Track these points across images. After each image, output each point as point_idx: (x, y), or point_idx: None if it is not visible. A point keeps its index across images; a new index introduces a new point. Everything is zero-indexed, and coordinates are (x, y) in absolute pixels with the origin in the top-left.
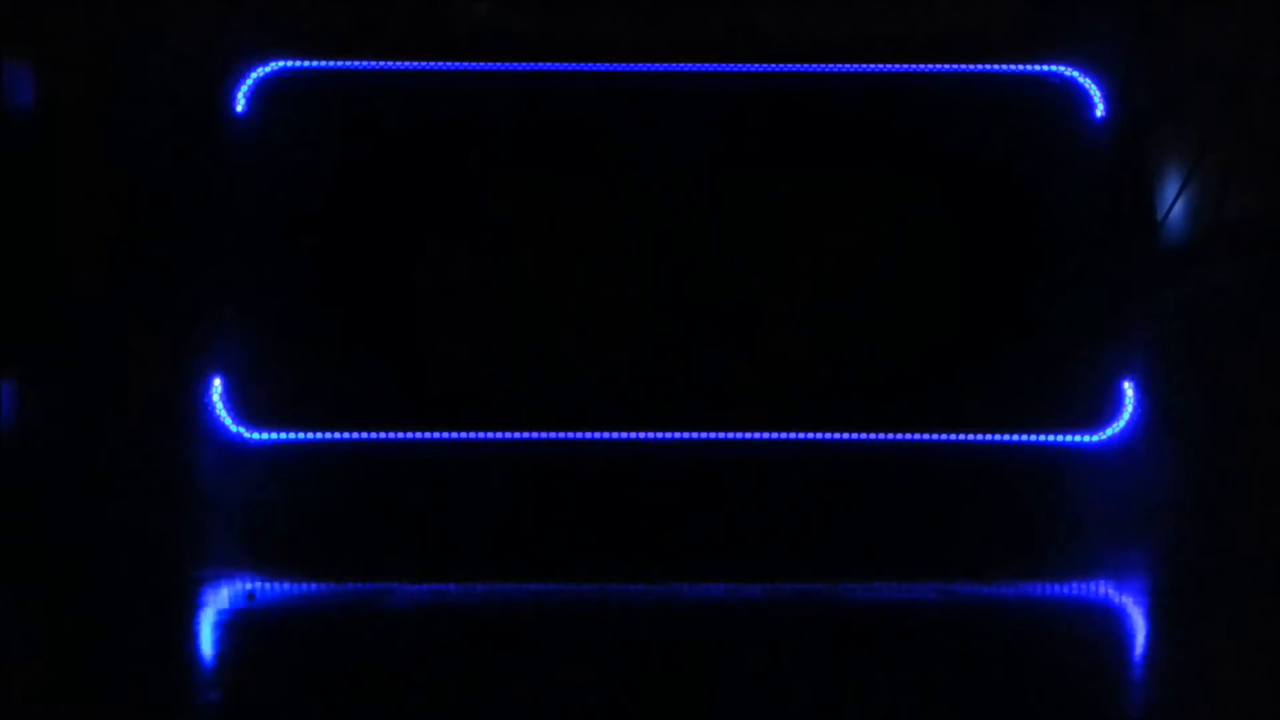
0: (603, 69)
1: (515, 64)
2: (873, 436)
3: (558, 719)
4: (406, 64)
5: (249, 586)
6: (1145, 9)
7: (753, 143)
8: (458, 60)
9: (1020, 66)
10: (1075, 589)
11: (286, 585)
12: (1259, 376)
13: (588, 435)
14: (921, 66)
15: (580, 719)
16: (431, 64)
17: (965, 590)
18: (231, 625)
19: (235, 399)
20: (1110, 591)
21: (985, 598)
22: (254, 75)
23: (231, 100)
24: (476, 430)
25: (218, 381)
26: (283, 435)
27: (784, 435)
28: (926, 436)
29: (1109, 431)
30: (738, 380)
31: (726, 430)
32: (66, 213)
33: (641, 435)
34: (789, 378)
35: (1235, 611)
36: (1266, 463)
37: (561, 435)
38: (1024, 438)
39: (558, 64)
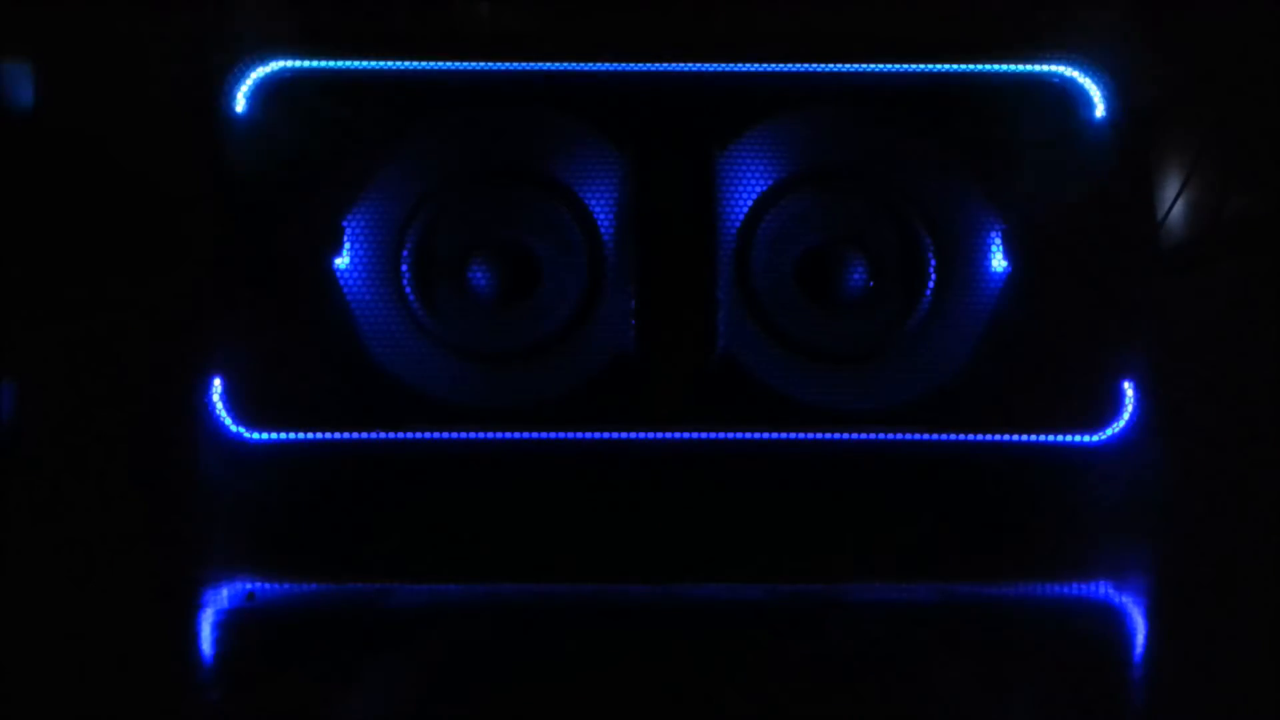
0: (603, 69)
1: (515, 64)
2: (872, 436)
3: (557, 718)
4: (406, 64)
5: (249, 586)
6: (1145, 9)
7: (753, 142)
8: (458, 60)
9: (1020, 66)
10: (1075, 589)
11: (286, 585)
12: (1259, 377)
13: (588, 435)
14: (920, 66)
15: (580, 718)
16: (431, 64)
17: (965, 590)
18: (231, 625)
19: (235, 399)
20: (1110, 591)
21: (985, 598)
22: (254, 75)
23: (231, 100)
24: (477, 430)
25: (218, 381)
26: (283, 435)
27: (783, 435)
28: (925, 436)
29: (1109, 431)
30: (738, 380)
31: (726, 430)
32: (66, 212)
33: (642, 435)
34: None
35: (1235, 611)
36: (1267, 463)
37: (562, 435)
38: (1024, 438)
39: (558, 64)
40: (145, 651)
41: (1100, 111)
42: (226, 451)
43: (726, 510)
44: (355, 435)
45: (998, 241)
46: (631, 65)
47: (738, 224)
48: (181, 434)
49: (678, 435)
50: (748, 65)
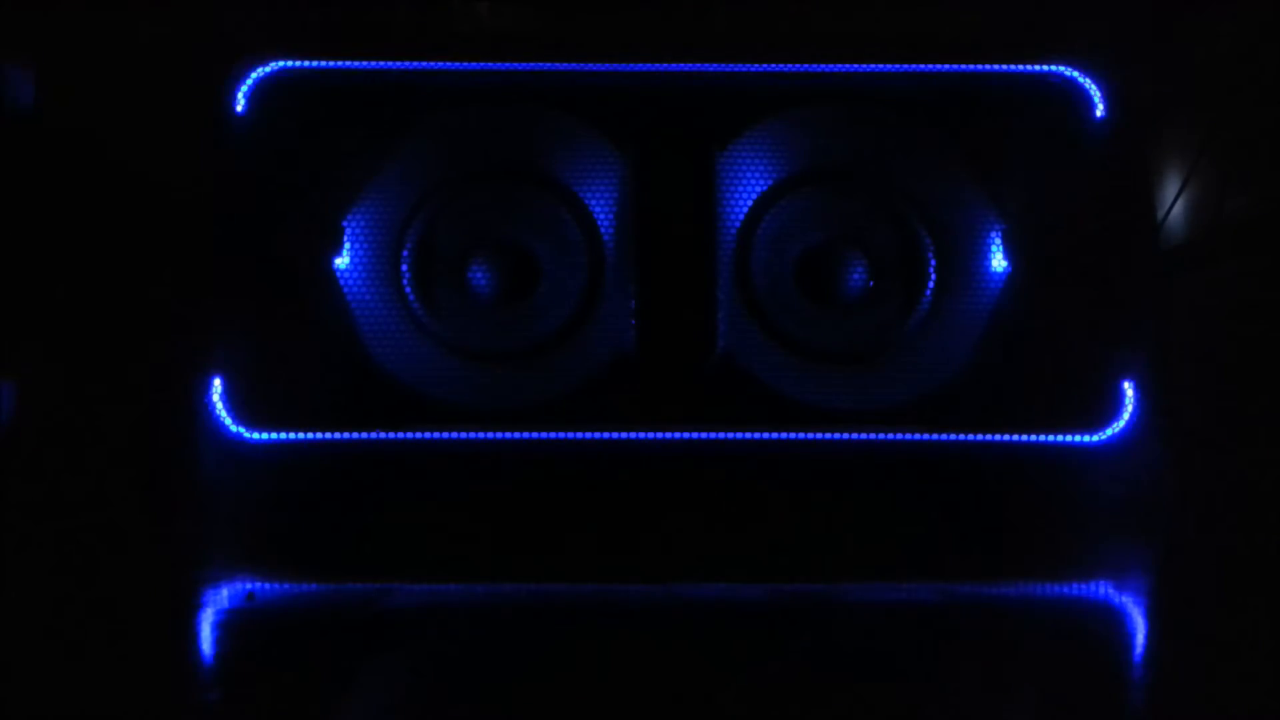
0: (603, 69)
1: (515, 64)
2: (871, 436)
3: (557, 718)
4: (406, 64)
5: (249, 586)
6: (1145, 9)
7: (753, 142)
8: (458, 60)
9: (1020, 66)
10: (1075, 589)
11: (286, 585)
12: (1260, 377)
13: (588, 435)
14: (920, 66)
15: (580, 718)
16: (431, 64)
17: (965, 590)
18: (231, 625)
19: (235, 399)
20: (1110, 591)
21: (985, 598)
22: (254, 75)
23: (231, 100)
24: (477, 430)
25: (218, 381)
26: (283, 435)
27: (783, 435)
28: (925, 436)
29: (1109, 431)
30: (738, 380)
31: (726, 430)
32: (66, 212)
33: (642, 435)
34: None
35: (1235, 611)
36: (1266, 463)
37: (562, 435)
38: (1024, 438)
39: (558, 64)
40: (145, 651)
41: (1100, 111)
42: (226, 451)
43: (726, 510)
44: (355, 435)
45: (998, 241)
46: (631, 65)
47: (738, 224)
48: (181, 434)
49: (678, 435)
50: (748, 65)
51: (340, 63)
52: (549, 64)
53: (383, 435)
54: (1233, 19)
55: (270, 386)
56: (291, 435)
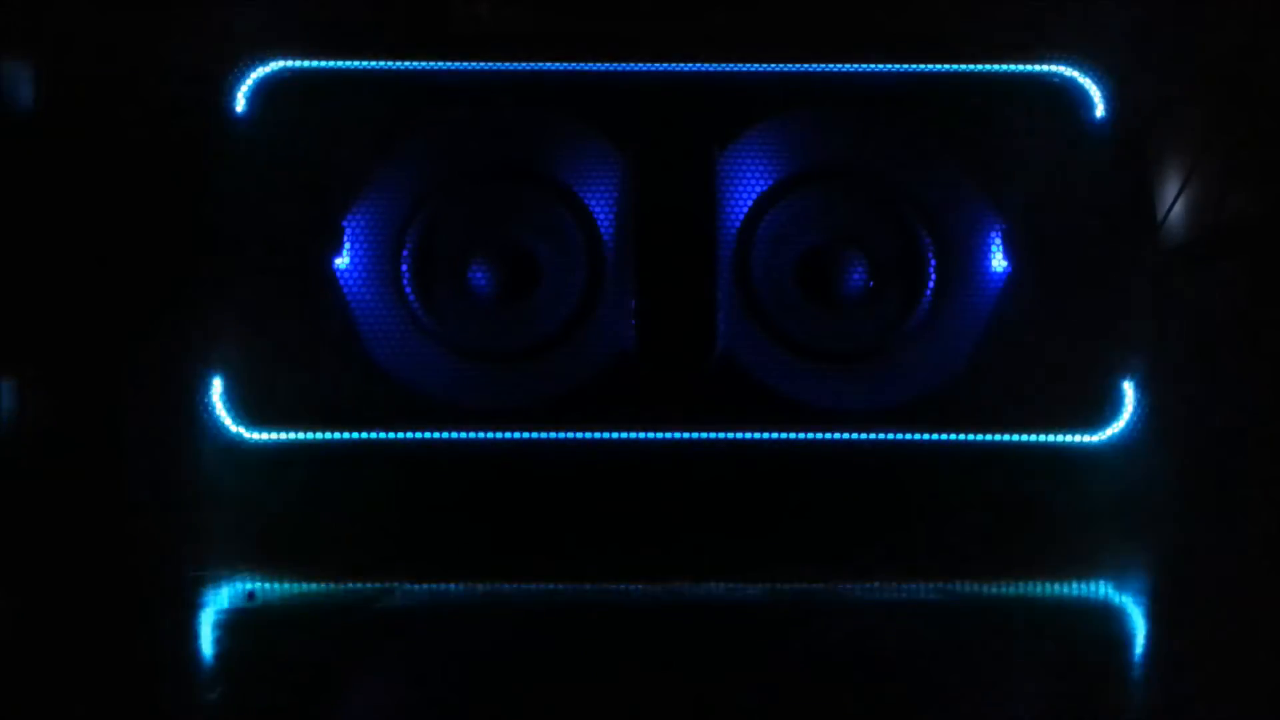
0: (603, 69)
1: (515, 64)
2: (872, 436)
3: (557, 718)
4: (407, 64)
5: (249, 586)
6: (1145, 9)
7: (753, 141)
8: (458, 60)
9: (1020, 66)
10: (1075, 589)
11: (286, 585)
12: (1259, 377)
13: (588, 435)
14: (920, 66)
15: (580, 718)
16: (431, 64)
17: (965, 590)
18: (231, 625)
19: (235, 399)
20: (1110, 591)
21: (985, 598)
22: (254, 75)
23: (231, 100)
24: (477, 430)
25: (218, 381)
26: (283, 435)
27: (783, 435)
28: (925, 436)
29: (1109, 431)
30: (738, 380)
31: (726, 430)
32: (66, 212)
33: (641, 435)
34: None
35: (1235, 611)
36: (1267, 462)
37: (562, 435)
38: (1024, 438)
39: (558, 64)
40: (145, 651)
41: (1100, 111)
42: (226, 451)
43: (726, 510)
44: (355, 435)
45: (998, 241)
46: (631, 65)
47: (738, 224)
48: (181, 434)
49: (678, 435)
50: (748, 65)
51: (340, 63)
52: (549, 64)
53: (383, 435)
54: (1232, 19)
55: (270, 386)
56: (291, 435)
